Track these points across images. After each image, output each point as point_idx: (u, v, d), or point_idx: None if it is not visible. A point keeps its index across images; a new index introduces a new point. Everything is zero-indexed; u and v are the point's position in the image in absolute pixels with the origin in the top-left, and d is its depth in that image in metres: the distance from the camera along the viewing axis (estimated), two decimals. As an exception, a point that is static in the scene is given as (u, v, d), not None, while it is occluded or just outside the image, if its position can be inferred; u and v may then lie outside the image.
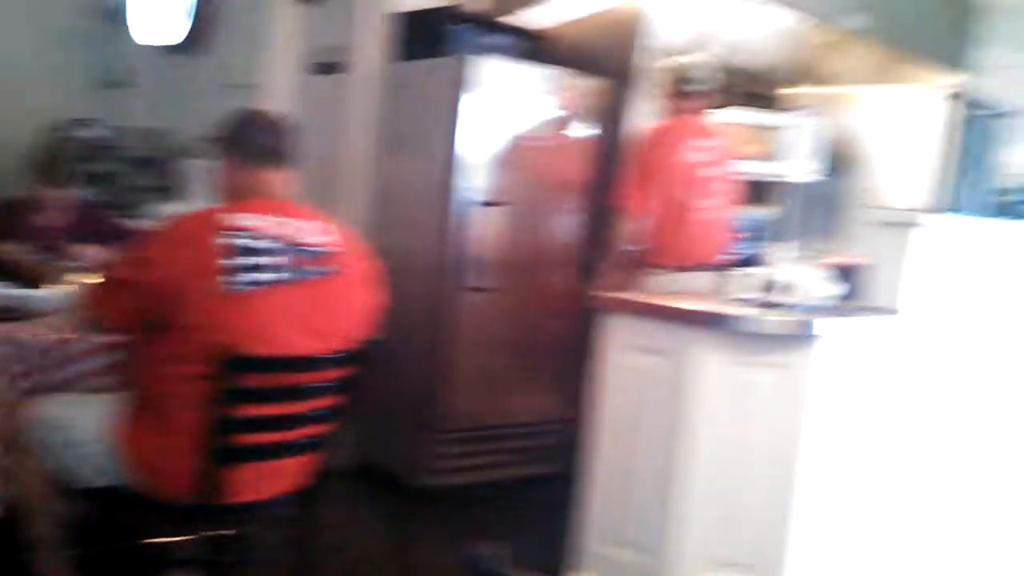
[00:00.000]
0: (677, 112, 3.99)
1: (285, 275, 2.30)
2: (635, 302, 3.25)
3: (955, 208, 5.35)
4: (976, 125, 5.47)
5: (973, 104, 5.46)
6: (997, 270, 3.74)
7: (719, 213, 4.06)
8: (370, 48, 4.49)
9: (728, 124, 4.40)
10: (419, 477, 4.15)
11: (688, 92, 3.92)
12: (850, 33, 5.24)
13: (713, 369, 3.00)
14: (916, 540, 3.49)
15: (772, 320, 2.97)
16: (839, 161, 4.65)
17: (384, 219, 4.39)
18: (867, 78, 5.78)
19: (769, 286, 3.16)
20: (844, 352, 3.07)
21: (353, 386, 2.43)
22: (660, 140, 3.92)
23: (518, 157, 4.20)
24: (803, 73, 5.51)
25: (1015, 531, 3.78)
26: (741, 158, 4.29)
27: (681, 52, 4.15)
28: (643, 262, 3.95)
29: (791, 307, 3.09)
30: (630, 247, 3.96)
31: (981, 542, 3.68)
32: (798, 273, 3.16)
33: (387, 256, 2.69)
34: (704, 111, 4.00)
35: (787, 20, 5.14)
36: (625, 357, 3.19)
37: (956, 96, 5.27)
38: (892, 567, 3.43)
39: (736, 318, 2.99)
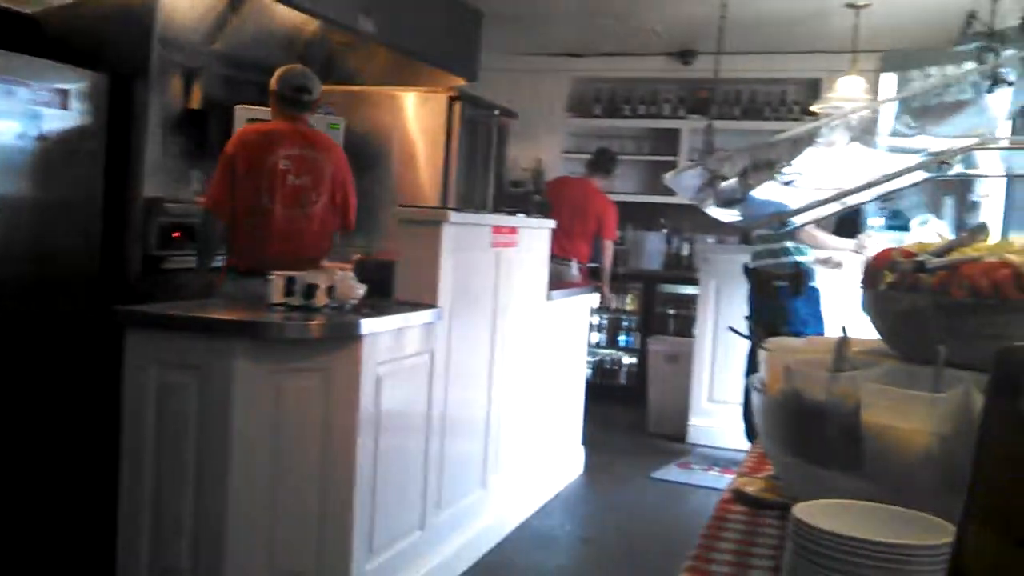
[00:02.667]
0: (277, 117, 3.92)
1: None
2: (161, 315, 2.93)
3: (471, 203, 5.70)
4: (481, 125, 5.88)
5: (478, 105, 5.85)
6: (506, 259, 4.04)
7: (307, 219, 3.91)
8: None
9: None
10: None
11: (290, 99, 3.88)
12: (362, 35, 5.33)
13: (252, 380, 2.81)
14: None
15: (311, 324, 2.87)
16: (365, 160, 4.70)
17: None
18: (383, 79, 5.94)
19: (304, 290, 3.03)
20: (388, 348, 3.06)
21: None
22: (252, 144, 3.82)
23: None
24: (324, 71, 5.49)
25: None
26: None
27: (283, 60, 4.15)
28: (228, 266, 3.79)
29: (332, 309, 3.00)
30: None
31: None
32: (331, 275, 3.08)
33: None
34: (306, 118, 3.95)
35: (303, 19, 5.07)
36: (152, 375, 2.86)
37: (461, 98, 5.60)
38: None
39: (271, 325, 2.85)
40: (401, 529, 3.29)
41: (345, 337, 2.92)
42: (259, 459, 2.82)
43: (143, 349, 2.87)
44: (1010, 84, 1.45)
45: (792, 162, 1.70)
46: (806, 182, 1.75)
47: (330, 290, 3.06)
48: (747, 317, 5.05)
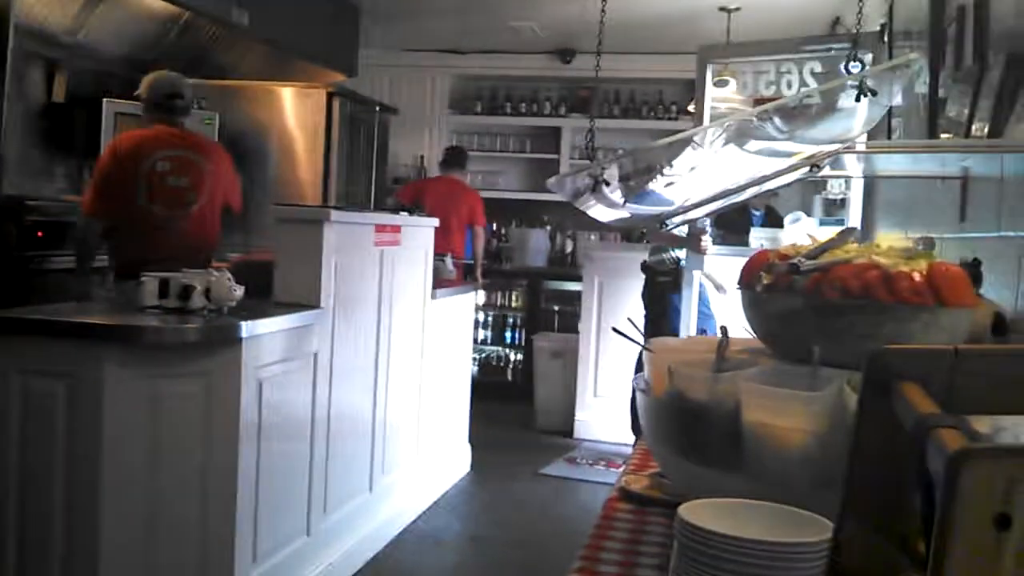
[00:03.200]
0: (152, 122, 3.92)
1: None
2: (21, 319, 2.78)
3: (353, 200, 5.62)
4: (361, 121, 5.80)
5: (358, 101, 5.78)
6: (389, 258, 4.00)
7: (188, 219, 3.92)
8: None
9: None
10: None
11: (164, 106, 3.89)
12: (236, 28, 5.18)
13: (125, 387, 2.70)
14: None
15: (188, 328, 2.77)
16: (241, 156, 4.57)
17: None
18: (260, 73, 5.80)
19: (179, 291, 2.92)
20: (269, 351, 2.99)
21: None
22: (127, 150, 3.81)
23: None
24: (196, 64, 5.32)
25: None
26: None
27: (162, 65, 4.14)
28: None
29: (210, 312, 2.90)
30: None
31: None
32: (207, 276, 2.97)
33: None
34: (182, 122, 3.97)
35: (174, 10, 4.90)
36: (15, 383, 2.70)
37: (340, 94, 5.52)
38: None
39: (144, 329, 2.74)
40: (286, 535, 3.21)
41: (224, 340, 2.83)
42: (134, 472, 2.70)
43: (2, 355, 2.71)
44: (875, 94, 1.52)
45: (672, 164, 1.73)
46: (686, 183, 1.79)
47: (207, 292, 2.95)
48: (644, 315, 5.15)
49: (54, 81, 4.79)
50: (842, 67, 4.27)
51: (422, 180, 7.29)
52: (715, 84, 4.83)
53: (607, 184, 1.39)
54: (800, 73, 3.94)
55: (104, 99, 4.85)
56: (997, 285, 2.04)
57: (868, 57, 3.78)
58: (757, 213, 5.60)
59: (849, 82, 1.55)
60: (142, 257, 3.44)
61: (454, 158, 6.76)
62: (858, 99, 1.51)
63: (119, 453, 2.68)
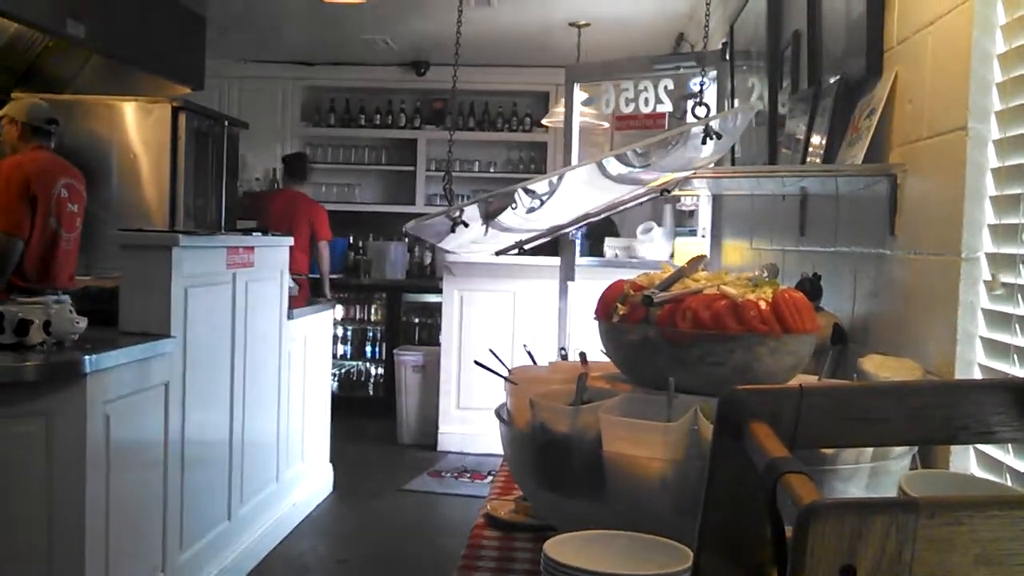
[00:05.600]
0: (27, 147, 4.11)
1: None
2: None
3: (203, 218, 5.43)
4: (209, 135, 5.61)
5: (206, 115, 5.59)
6: (242, 279, 3.90)
7: (76, 243, 4.27)
8: None
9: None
10: None
11: (44, 131, 4.16)
12: (71, 40, 4.92)
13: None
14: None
15: (26, 365, 2.60)
16: (85, 175, 4.34)
17: None
18: (97, 87, 5.52)
19: (16, 326, 2.74)
20: (117, 384, 2.85)
21: None
22: (39, 172, 4.04)
23: None
24: (26, 77, 5.03)
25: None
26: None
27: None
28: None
29: (48, 345, 2.74)
30: None
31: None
32: (47, 308, 2.80)
33: None
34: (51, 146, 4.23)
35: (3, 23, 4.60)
36: None
37: (186, 108, 5.33)
38: None
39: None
40: (142, 571, 3.07)
41: (67, 376, 2.68)
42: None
43: None
44: (719, 137, 1.59)
45: (534, 191, 1.75)
46: (546, 212, 1.81)
47: (46, 325, 2.79)
48: None
49: None
50: (690, 84, 4.47)
51: (262, 193, 7.10)
52: (583, 104, 4.94)
53: (466, 225, 1.39)
54: (656, 90, 4.09)
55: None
56: (835, 297, 2.16)
57: (712, 74, 3.96)
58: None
59: (694, 128, 1.62)
60: (51, 279, 3.91)
61: (293, 168, 6.63)
62: (704, 142, 1.57)
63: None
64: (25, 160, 4.06)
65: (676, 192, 2.51)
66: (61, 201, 4.08)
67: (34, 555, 2.64)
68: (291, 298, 4.57)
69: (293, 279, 5.05)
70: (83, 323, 2.87)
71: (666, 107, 4.22)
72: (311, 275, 6.38)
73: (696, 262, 1.49)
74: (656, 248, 4.73)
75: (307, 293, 5.75)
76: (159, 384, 3.16)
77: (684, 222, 5.10)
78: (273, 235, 4.46)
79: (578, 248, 4.49)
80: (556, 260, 4.53)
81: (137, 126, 5.23)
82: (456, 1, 2.37)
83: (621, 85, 4.29)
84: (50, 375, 2.65)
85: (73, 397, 2.68)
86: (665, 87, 4.13)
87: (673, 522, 1.19)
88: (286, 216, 6.19)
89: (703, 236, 4.49)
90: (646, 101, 4.19)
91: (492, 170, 7.78)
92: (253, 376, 3.98)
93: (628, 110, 4.27)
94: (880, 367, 1.48)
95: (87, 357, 2.69)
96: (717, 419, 0.90)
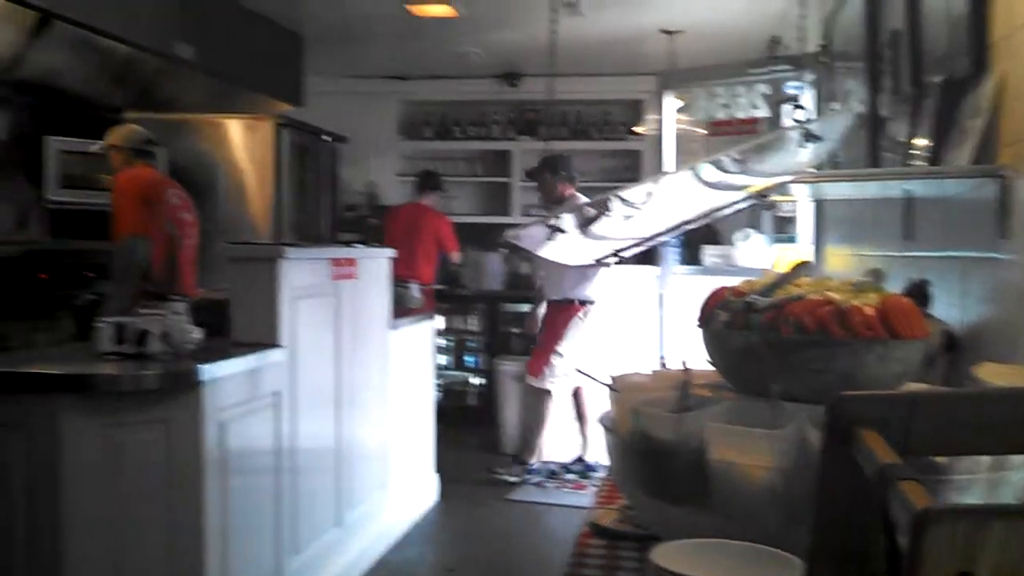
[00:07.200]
0: (134, 168, 4.34)
1: None
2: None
3: (307, 232, 5.60)
4: (310, 151, 5.78)
5: (306, 130, 5.76)
6: (346, 291, 3.99)
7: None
8: None
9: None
10: None
11: (146, 152, 4.41)
12: (179, 61, 5.14)
13: (83, 438, 2.65)
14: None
15: (147, 374, 2.73)
16: (190, 192, 4.53)
17: None
18: (205, 106, 5.74)
19: (136, 337, 2.89)
20: (230, 393, 2.96)
21: None
22: (147, 181, 4.32)
23: None
24: (141, 99, 5.27)
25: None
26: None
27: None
28: None
29: (165, 355, 2.87)
30: None
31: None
32: (164, 319, 2.94)
33: None
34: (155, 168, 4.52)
35: (115, 45, 4.84)
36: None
37: (288, 124, 5.50)
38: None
39: (100, 377, 2.69)
40: (256, 577, 3.19)
41: (184, 385, 2.80)
42: (97, 525, 2.66)
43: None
44: (818, 140, 1.57)
45: (629, 200, 1.77)
46: (642, 219, 1.82)
47: (164, 336, 2.93)
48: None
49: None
50: (786, 88, 4.40)
51: (395, 207, 7.12)
52: (677, 111, 4.92)
53: (563, 231, 1.42)
54: (751, 95, 4.04)
55: (47, 136, 4.81)
56: (942, 303, 2.11)
57: (809, 77, 3.90)
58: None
59: (791, 132, 1.61)
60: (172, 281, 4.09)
61: (426, 182, 6.73)
62: (803, 145, 1.56)
63: (80, 504, 2.63)
64: (137, 173, 4.35)
65: (774, 198, 2.48)
66: (173, 208, 4.34)
67: (155, 558, 2.77)
68: (411, 308, 4.70)
69: (419, 288, 5.16)
70: (198, 333, 3.00)
71: (762, 112, 4.17)
72: (435, 286, 6.50)
73: (800, 268, 1.48)
74: (754, 255, 4.66)
75: (432, 304, 5.85)
76: (270, 393, 3.27)
77: (784, 229, 5.02)
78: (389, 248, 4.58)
79: (675, 255, 4.46)
80: (652, 268, 4.51)
81: (242, 143, 5.42)
82: (545, 11, 2.40)
83: (715, 91, 4.25)
84: (169, 384, 2.78)
85: (190, 405, 2.80)
86: (760, 92, 4.08)
87: (778, 531, 1.19)
88: (412, 227, 6.32)
89: (806, 242, 4.41)
90: (741, 106, 4.15)
91: (587, 179, 7.78)
92: (358, 385, 4.08)
93: (722, 116, 4.24)
94: (995, 376, 1.44)
95: (202, 367, 2.81)
96: (826, 425, 0.89)
